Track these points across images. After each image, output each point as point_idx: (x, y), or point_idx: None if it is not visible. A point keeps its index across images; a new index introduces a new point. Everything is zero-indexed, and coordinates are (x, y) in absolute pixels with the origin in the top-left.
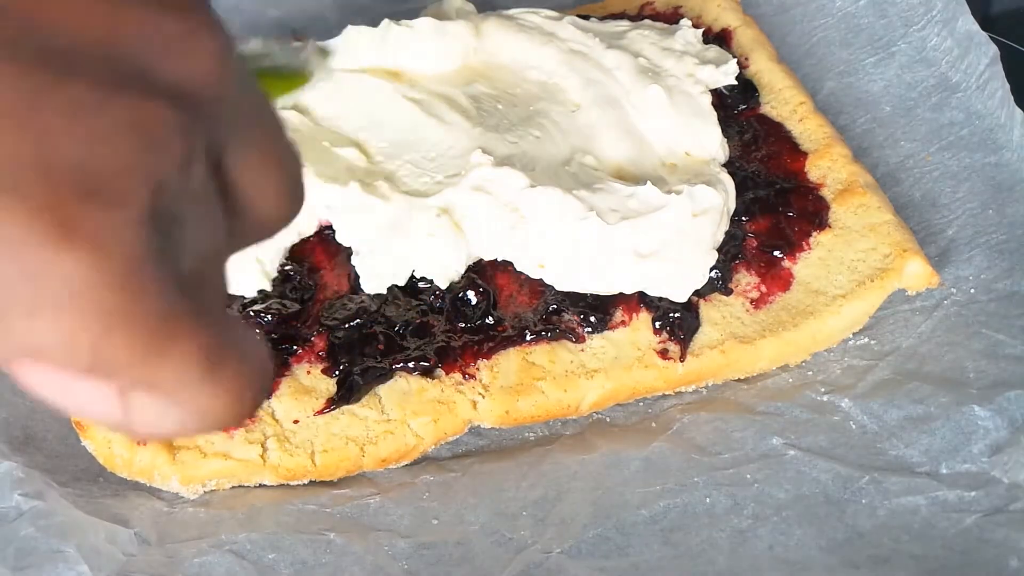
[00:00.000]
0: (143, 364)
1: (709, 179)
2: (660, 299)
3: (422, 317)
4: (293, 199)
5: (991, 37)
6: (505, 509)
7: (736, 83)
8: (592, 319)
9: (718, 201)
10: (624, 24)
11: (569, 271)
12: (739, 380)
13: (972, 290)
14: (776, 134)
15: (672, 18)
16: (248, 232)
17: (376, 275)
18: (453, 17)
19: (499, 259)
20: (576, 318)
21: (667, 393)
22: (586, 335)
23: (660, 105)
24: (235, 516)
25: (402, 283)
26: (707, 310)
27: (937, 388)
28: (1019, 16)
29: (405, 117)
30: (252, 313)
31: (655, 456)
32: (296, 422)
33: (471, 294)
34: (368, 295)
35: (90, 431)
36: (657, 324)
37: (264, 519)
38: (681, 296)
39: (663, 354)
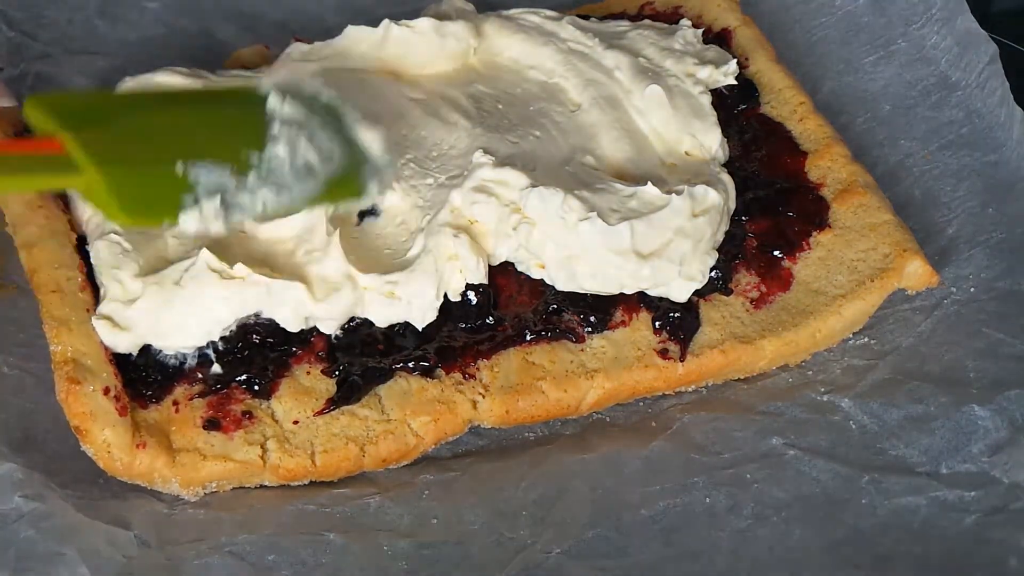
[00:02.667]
0: None
1: (709, 179)
2: (660, 299)
3: None
4: None
5: (991, 37)
6: (505, 509)
7: (736, 83)
8: (592, 319)
9: (718, 201)
10: (624, 24)
11: (569, 271)
12: (739, 380)
13: (972, 289)
14: (776, 134)
15: (672, 18)
16: None
17: None
18: (453, 18)
19: (500, 259)
20: (576, 318)
21: (667, 393)
22: (586, 335)
23: (660, 105)
24: (235, 518)
25: None
26: (707, 310)
27: (937, 388)
28: (1019, 16)
29: (406, 117)
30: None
31: (655, 456)
32: (296, 423)
33: (471, 294)
34: None
35: (89, 436)
36: (657, 324)
37: (264, 520)
38: (681, 296)
39: (663, 354)
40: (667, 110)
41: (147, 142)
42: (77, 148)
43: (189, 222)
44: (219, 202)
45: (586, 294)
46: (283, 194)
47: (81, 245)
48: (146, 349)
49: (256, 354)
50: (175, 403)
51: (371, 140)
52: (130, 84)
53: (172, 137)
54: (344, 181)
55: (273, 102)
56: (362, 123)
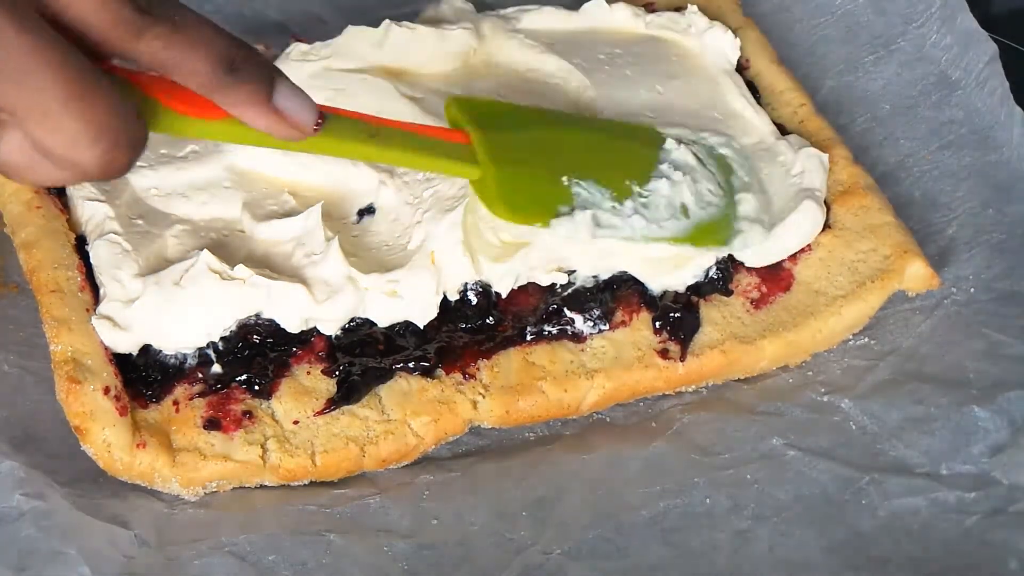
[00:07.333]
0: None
1: None
2: (660, 298)
3: None
4: None
5: (991, 36)
6: (505, 509)
7: None
8: (593, 318)
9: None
10: None
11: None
12: (739, 380)
13: (972, 290)
14: None
15: None
16: None
17: None
18: (452, 18)
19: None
20: (580, 316)
21: (667, 393)
22: (586, 335)
23: None
24: (235, 518)
25: None
26: (707, 310)
27: (937, 388)
28: (1019, 16)
29: (405, 116)
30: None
31: (655, 456)
32: (296, 423)
33: (471, 294)
34: None
35: (90, 436)
36: (657, 324)
37: (264, 520)
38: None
39: (663, 354)
40: None
41: (539, 153)
42: (481, 145)
43: (560, 228)
44: (591, 217)
45: (587, 293)
46: (654, 226)
47: (80, 245)
48: (146, 349)
49: (256, 354)
50: (175, 403)
51: (746, 201)
52: None
53: (562, 153)
54: (713, 228)
55: (669, 146)
56: (741, 191)
